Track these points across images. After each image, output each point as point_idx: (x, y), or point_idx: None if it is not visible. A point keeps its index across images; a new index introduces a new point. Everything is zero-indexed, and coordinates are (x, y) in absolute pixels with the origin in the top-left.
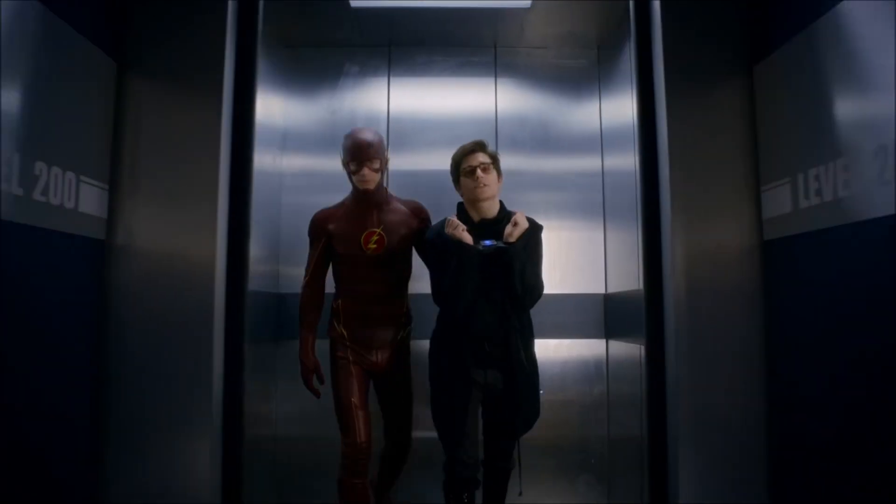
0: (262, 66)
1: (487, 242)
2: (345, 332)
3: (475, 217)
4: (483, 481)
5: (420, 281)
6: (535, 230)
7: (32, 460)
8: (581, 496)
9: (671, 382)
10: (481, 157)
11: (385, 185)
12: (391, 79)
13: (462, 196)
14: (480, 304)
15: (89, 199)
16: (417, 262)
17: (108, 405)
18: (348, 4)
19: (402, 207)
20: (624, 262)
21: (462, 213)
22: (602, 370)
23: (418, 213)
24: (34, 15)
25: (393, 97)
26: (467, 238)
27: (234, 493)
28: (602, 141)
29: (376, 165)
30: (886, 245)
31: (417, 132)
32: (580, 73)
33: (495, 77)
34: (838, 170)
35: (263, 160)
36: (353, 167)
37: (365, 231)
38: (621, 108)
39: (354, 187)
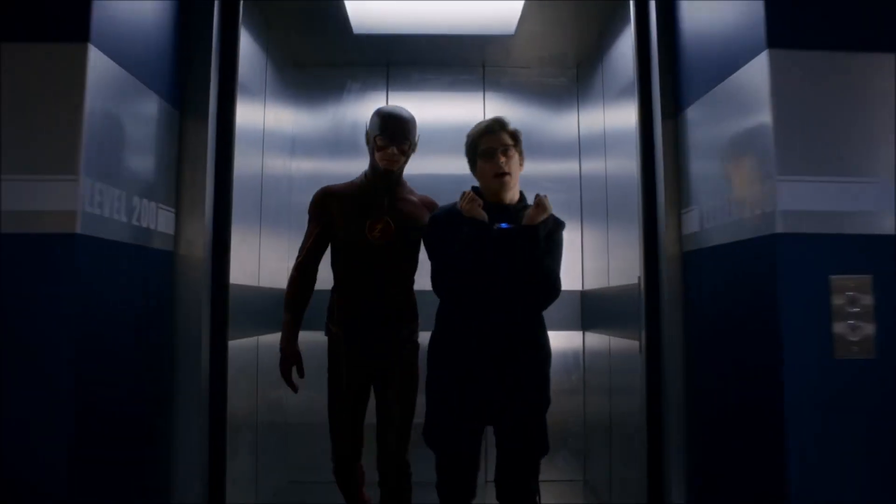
0: (274, 83)
1: (504, 224)
2: (341, 332)
3: (491, 200)
4: None
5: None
6: (557, 224)
7: (143, 438)
8: (560, 470)
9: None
10: (503, 138)
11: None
12: (389, 94)
13: (478, 179)
14: (491, 299)
15: (164, 221)
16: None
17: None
18: (351, 30)
19: (415, 198)
20: (598, 260)
21: (477, 195)
22: (579, 359)
23: (431, 208)
24: (121, 78)
25: None
26: (482, 215)
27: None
28: (580, 148)
29: (406, 147)
30: (756, 260)
31: None
32: (560, 90)
33: (483, 93)
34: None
35: (275, 164)
36: (380, 142)
37: (371, 217)
38: (597, 119)
39: (373, 167)
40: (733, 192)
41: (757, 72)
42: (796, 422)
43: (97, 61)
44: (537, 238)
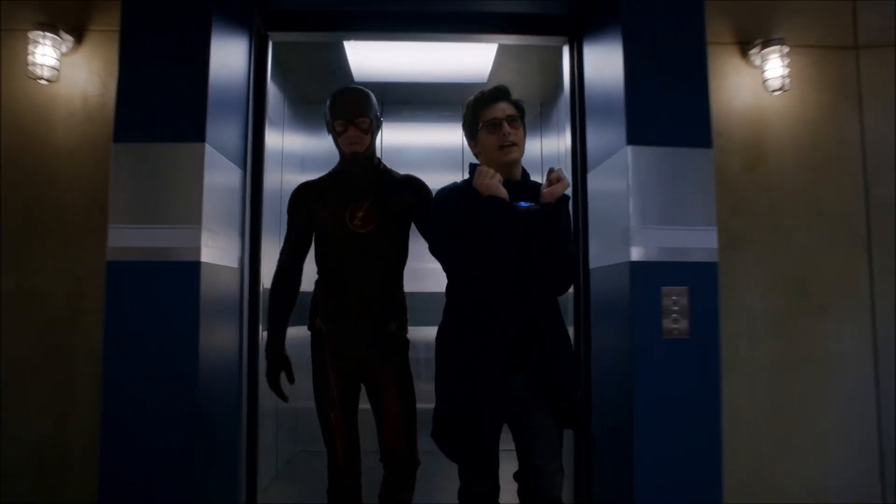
0: (289, 117)
1: (523, 203)
2: (324, 328)
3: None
4: None
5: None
6: (565, 199)
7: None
8: None
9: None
10: (506, 108)
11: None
12: (384, 124)
13: (480, 156)
14: (508, 284)
15: (236, 248)
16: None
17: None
18: (352, 78)
19: (397, 180)
20: None
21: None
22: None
23: (415, 186)
24: (219, 160)
25: (385, 137)
26: (503, 192)
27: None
28: (542, 169)
29: (365, 125)
30: (620, 276)
31: (404, 159)
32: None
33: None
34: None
35: (290, 179)
36: (338, 127)
37: (351, 204)
38: (555, 144)
39: (341, 153)
40: (612, 233)
41: (623, 158)
42: (640, 376)
43: (209, 154)
44: (559, 217)
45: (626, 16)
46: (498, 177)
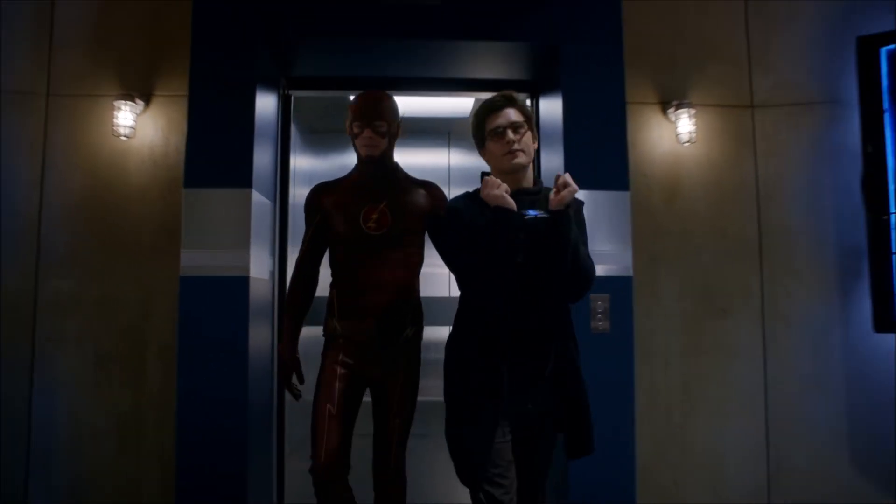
0: (299, 142)
1: (532, 212)
2: (339, 328)
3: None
4: None
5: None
6: (579, 204)
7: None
8: None
9: None
10: (512, 115)
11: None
12: None
13: (489, 164)
14: (521, 294)
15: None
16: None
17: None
18: None
19: (413, 185)
20: None
21: None
22: None
23: (432, 192)
24: (261, 201)
25: None
26: (510, 203)
27: None
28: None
29: (383, 128)
30: None
31: None
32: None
33: (448, 149)
34: None
35: (301, 193)
36: (356, 129)
37: (365, 206)
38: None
39: (358, 156)
40: None
41: None
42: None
43: (254, 196)
44: (569, 225)
45: (565, 84)
46: (504, 187)
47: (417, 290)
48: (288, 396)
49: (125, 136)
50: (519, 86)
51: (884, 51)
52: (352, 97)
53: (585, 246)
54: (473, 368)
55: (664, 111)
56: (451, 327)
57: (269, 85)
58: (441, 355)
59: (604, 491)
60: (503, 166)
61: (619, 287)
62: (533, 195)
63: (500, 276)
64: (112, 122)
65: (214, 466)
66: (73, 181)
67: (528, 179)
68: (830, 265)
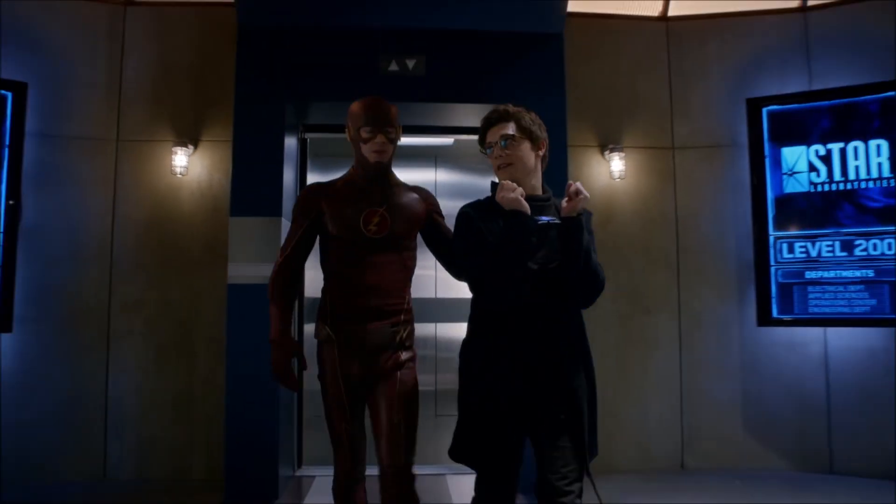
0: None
1: (545, 218)
2: (332, 334)
3: None
4: None
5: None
6: (589, 214)
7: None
8: None
9: None
10: (505, 128)
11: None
12: None
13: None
14: (533, 298)
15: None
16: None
17: None
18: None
19: (408, 190)
20: None
21: (496, 190)
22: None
23: (427, 199)
24: (286, 224)
25: None
26: (525, 206)
27: None
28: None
29: (392, 134)
30: None
31: None
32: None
33: (435, 170)
34: None
35: None
36: (365, 134)
37: (366, 210)
38: None
39: (362, 160)
40: None
41: None
42: None
43: (284, 223)
44: (582, 232)
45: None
46: (520, 190)
47: (409, 292)
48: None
49: (180, 174)
50: None
51: (765, 110)
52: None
53: (595, 253)
54: (488, 372)
55: (602, 152)
56: (436, 325)
57: (291, 131)
58: (423, 352)
59: None
60: (499, 177)
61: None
62: (542, 202)
63: (512, 280)
64: (170, 163)
65: (252, 432)
66: (138, 210)
67: (535, 188)
68: (731, 274)
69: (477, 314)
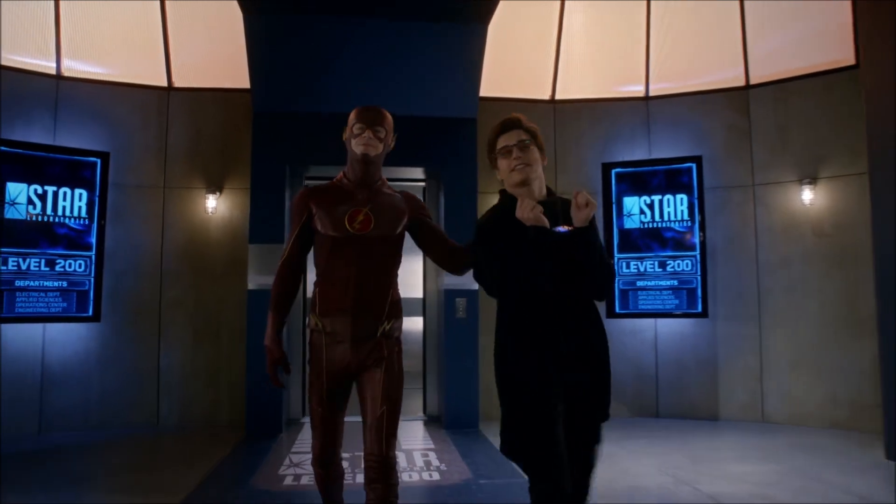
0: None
1: (561, 229)
2: (322, 324)
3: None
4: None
5: None
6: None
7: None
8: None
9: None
10: (519, 134)
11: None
12: None
13: (501, 178)
14: (555, 296)
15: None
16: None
17: None
18: None
19: (395, 193)
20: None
21: (505, 197)
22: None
23: (411, 200)
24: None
25: None
26: (544, 221)
27: None
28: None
29: (382, 133)
30: (449, 296)
31: None
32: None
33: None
34: None
35: None
36: (356, 129)
37: (351, 209)
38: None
39: (352, 156)
40: (441, 277)
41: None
42: (447, 335)
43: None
44: (595, 237)
45: (445, 180)
46: (539, 208)
47: (396, 287)
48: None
49: (210, 212)
50: (429, 179)
51: (613, 171)
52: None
53: (602, 251)
54: (522, 365)
55: None
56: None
57: (295, 180)
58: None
59: (462, 405)
60: (512, 180)
61: (471, 296)
62: (550, 203)
63: (536, 282)
64: (203, 204)
65: (265, 391)
66: (180, 238)
67: (542, 189)
68: None
69: (505, 316)
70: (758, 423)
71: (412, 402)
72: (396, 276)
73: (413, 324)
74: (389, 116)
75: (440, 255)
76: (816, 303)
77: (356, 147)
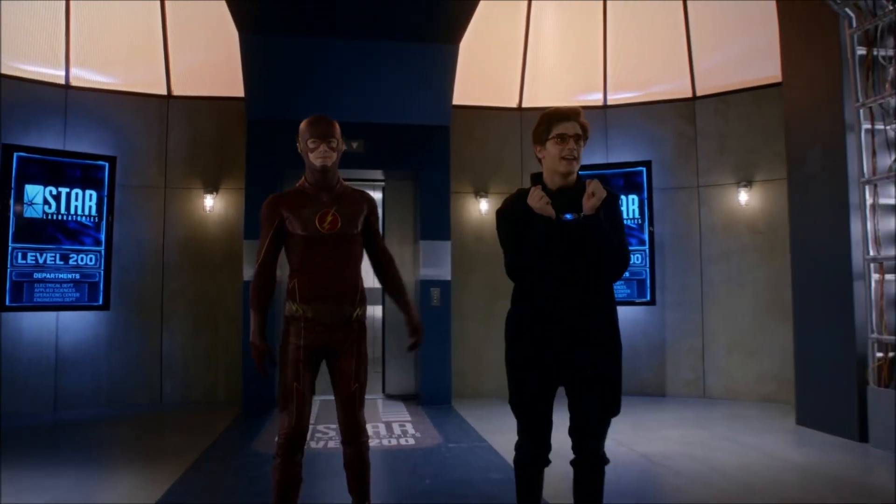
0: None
1: (569, 216)
2: (302, 310)
3: (553, 185)
4: (574, 478)
5: None
6: (613, 198)
7: None
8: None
9: None
10: (576, 127)
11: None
12: None
13: (541, 159)
14: (563, 279)
15: None
16: None
17: None
18: None
19: (352, 193)
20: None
21: (537, 181)
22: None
23: (368, 202)
24: None
25: None
26: (550, 211)
27: None
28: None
29: (334, 144)
30: (432, 286)
31: None
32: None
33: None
34: None
35: None
36: (311, 145)
37: (320, 211)
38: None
39: (310, 169)
40: (417, 267)
41: (422, 245)
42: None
43: None
44: (599, 224)
45: (422, 181)
46: (546, 199)
47: (361, 278)
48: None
49: (208, 210)
50: (406, 180)
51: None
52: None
53: (622, 233)
54: (528, 333)
55: (476, 197)
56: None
57: (286, 181)
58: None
59: (436, 385)
60: (559, 168)
61: (444, 286)
62: (579, 189)
63: (543, 265)
64: (202, 203)
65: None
66: (180, 233)
67: (574, 180)
68: None
69: (519, 291)
70: (700, 398)
71: (373, 384)
72: (360, 266)
73: (373, 311)
74: (336, 123)
75: (375, 261)
76: (750, 291)
77: (315, 160)
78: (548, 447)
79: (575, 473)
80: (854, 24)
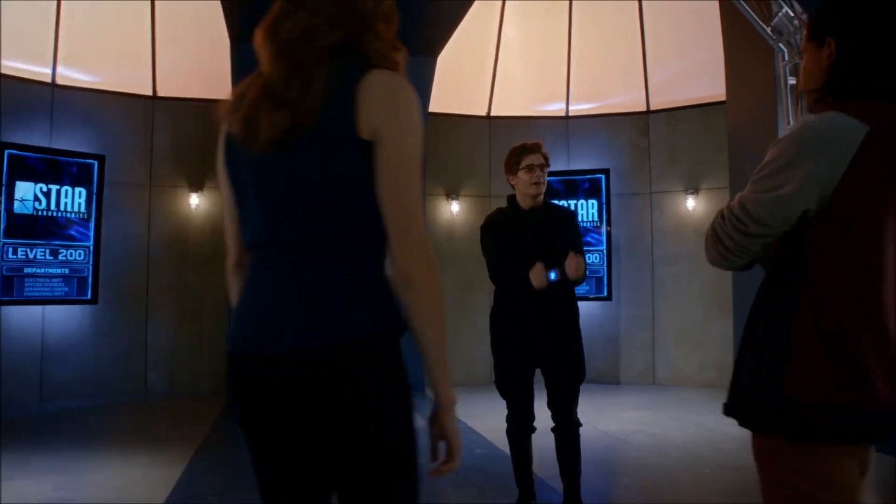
0: None
1: (553, 276)
2: None
3: (525, 205)
4: (556, 443)
5: None
6: (571, 217)
7: None
8: None
9: None
10: (540, 158)
11: None
12: None
13: (514, 186)
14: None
15: None
16: None
17: None
18: None
19: None
20: None
21: (512, 202)
22: None
23: None
24: None
25: None
26: (544, 284)
27: None
28: None
29: None
30: None
31: None
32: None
33: None
34: None
35: None
36: None
37: None
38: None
39: None
40: None
41: None
42: None
43: None
44: (580, 283)
45: None
46: (543, 276)
47: None
48: None
49: (194, 207)
50: None
51: None
52: None
53: (580, 247)
54: (509, 326)
55: (448, 199)
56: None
57: None
58: None
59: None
60: (529, 191)
61: None
62: (543, 211)
63: (519, 275)
64: (188, 201)
65: None
66: (166, 229)
67: (541, 200)
68: None
69: (501, 293)
70: (650, 385)
71: None
72: None
73: None
74: None
75: None
76: (696, 289)
77: None
78: (532, 416)
79: (556, 438)
80: (786, 58)
